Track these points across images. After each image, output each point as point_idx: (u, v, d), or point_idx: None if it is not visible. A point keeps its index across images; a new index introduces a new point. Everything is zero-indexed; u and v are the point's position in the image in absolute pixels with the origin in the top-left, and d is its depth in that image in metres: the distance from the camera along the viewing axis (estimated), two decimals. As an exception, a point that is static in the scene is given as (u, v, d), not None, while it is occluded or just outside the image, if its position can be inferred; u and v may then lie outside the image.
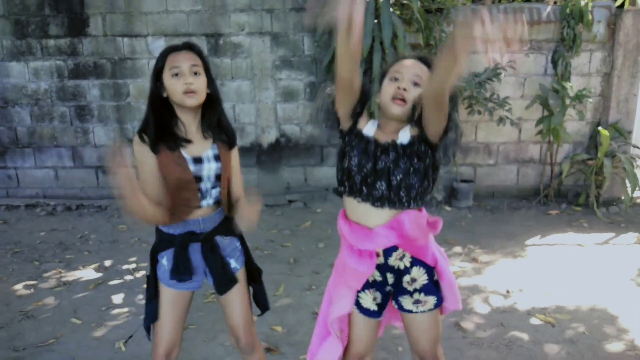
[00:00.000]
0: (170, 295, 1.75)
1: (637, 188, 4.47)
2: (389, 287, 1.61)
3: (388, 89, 1.50)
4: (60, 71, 5.17)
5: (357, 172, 1.51)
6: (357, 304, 1.63)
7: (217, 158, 1.72)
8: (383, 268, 1.58)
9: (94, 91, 5.19)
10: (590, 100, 4.61)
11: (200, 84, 1.63)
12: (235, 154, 1.81)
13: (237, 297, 1.81)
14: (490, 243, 3.99)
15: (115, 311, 2.94)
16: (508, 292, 3.16)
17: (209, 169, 1.70)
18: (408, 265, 1.56)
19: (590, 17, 4.52)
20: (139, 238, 4.19)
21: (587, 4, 4.53)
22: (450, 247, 3.90)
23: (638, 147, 4.65)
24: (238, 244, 1.84)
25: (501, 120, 4.69)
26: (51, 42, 5.09)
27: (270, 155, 5.18)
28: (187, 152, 1.67)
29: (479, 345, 2.56)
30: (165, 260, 1.74)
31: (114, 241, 4.16)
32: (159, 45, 5.03)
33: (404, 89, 1.47)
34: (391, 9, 4.28)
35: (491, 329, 2.72)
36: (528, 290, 3.17)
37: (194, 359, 2.45)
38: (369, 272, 1.54)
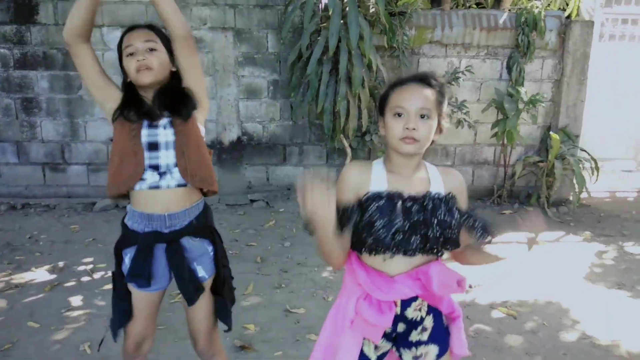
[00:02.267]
0: (137, 295, 1.68)
1: (584, 189, 4.76)
2: (394, 334, 1.42)
3: (394, 127, 1.31)
4: (4, 60, 4.85)
5: (385, 231, 1.30)
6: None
7: (172, 124, 1.61)
8: (397, 318, 1.37)
9: (43, 83, 4.91)
10: (543, 105, 4.86)
11: (155, 59, 1.57)
12: (195, 121, 1.66)
13: (200, 303, 1.69)
14: (450, 241, 4.11)
15: (76, 313, 2.78)
16: (470, 286, 3.27)
17: (166, 134, 1.59)
18: (424, 315, 1.40)
19: (543, 25, 4.77)
20: (94, 238, 3.99)
21: (540, 12, 4.78)
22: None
23: (585, 151, 4.94)
24: (210, 248, 1.70)
25: (459, 123, 4.85)
26: (-5, 29, 4.77)
27: (231, 153, 5.09)
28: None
29: (448, 339, 2.63)
30: (128, 259, 1.64)
31: (66, 241, 3.94)
32: (115, 36, 4.82)
33: (413, 129, 1.29)
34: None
35: (458, 323, 2.80)
36: (488, 285, 3.29)
37: (164, 360, 2.37)
38: (387, 325, 1.34)
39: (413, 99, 1.30)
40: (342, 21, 4.30)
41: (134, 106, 1.60)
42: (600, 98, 5.37)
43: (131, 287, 1.66)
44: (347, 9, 4.27)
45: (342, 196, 1.33)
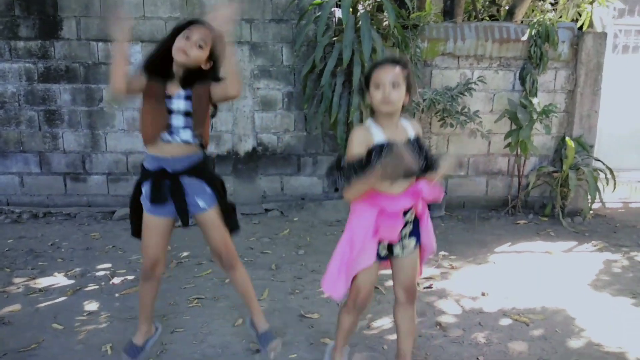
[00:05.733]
0: (150, 220, 2.15)
1: (598, 199, 4.74)
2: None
3: (375, 95, 1.89)
4: (29, 74, 5.03)
5: None
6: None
7: (187, 98, 2.08)
8: None
9: (65, 95, 5.08)
10: (556, 115, 4.88)
11: (197, 53, 2.01)
12: (207, 95, 2.10)
13: (213, 223, 2.18)
14: (463, 250, 4.13)
15: (97, 316, 2.87)
16: (483, 294, 3.29)
17: (178, 104, 2.08)
18: (413, 218, 2.05)
19: (555, 37, 4.80)
20: (113, 245, 4.09)
21: (552, 24, 4.82)
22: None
23: (600, 161, 4.93)
24: (207, 188, 2.16)
25: (472, 133, 4.89)
26: (20, 44, 4.96)
27: (246, 164, 5.19)
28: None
29: (459, 343, 2.66)
30: (144, 189, 2.14)
31: (87, 249, 4.04)
32: (135, 51, 4.99)
33: (388, 95, 1.87)
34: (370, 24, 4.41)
35: (470, 329, 2.82)
36: (501, 293, 3.31)
37: (182, 362, 2.43)
38: (401, 225, 1.98)
39: (388, 74, 1.86)
40: (355, 34, 4.39)
41: (162, 74, 2.09)
42: (615, 109, 5.37)
43: (145, 213, 2.15)
44: (360, 22, 4.37)
45: (357, 149, 1.87)
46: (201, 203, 2.14)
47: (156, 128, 2.06)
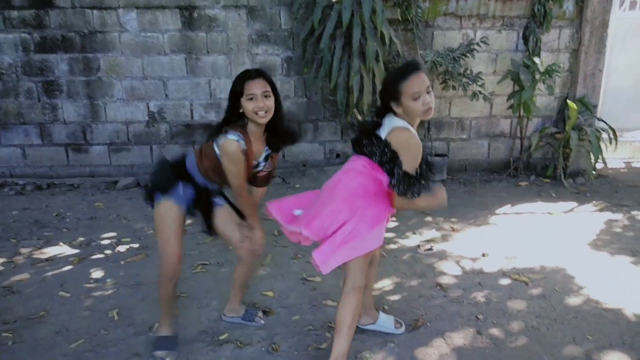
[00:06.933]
0: (176, 212, 2.18)
1: (600, 160, 4.72)
2: None
3: (416, 107, 1.90)
4: (25, 44, 4.96)
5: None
6: None
7: (266, 158, 2.19)
8: None
9: (63, 66, 5.02)
10: (559, 75, 4.79)
11: (270, 104, 2.02)
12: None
13: (229, 220, 2.30)
14: (464, 213, 4.15)
15: (102, 284, 2.93)
16: (483, 255, 3.32)
17: (260, 167, 2.21)
18: None
19: (560, -7, 4.67)
20: (118, 214, 4.13)
21: (557, -20, 4.68)
22: (427, 216, 4.03)
23: (603, 121, 4.87)
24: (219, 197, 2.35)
25: (474, 95, 4.82)
26: (15, 13, 4.87)
27: (247, 131, 5.16)
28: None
29: (459, 303, 2.71)
30: (181, 190, 2.18)
31: (92, 218, 4.09)
32: (130, 17, 4.90)
33: (428, 103, 1.90)
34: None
35: (469, 288, 2.87)
36: (501, 253, 3.34)
37: (189, 325, 2.49)
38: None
39: (422, 83, 1.89)
40: (354, -5, 4.28)
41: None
42: (621, 68, 5.26)
43: (174, 202, 2.16)
44: (359, -18, 4.25)
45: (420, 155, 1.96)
46: (218, 201, 2.31)
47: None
